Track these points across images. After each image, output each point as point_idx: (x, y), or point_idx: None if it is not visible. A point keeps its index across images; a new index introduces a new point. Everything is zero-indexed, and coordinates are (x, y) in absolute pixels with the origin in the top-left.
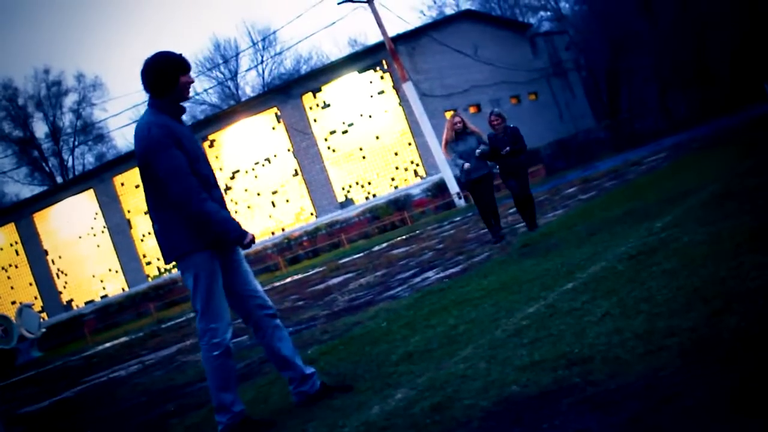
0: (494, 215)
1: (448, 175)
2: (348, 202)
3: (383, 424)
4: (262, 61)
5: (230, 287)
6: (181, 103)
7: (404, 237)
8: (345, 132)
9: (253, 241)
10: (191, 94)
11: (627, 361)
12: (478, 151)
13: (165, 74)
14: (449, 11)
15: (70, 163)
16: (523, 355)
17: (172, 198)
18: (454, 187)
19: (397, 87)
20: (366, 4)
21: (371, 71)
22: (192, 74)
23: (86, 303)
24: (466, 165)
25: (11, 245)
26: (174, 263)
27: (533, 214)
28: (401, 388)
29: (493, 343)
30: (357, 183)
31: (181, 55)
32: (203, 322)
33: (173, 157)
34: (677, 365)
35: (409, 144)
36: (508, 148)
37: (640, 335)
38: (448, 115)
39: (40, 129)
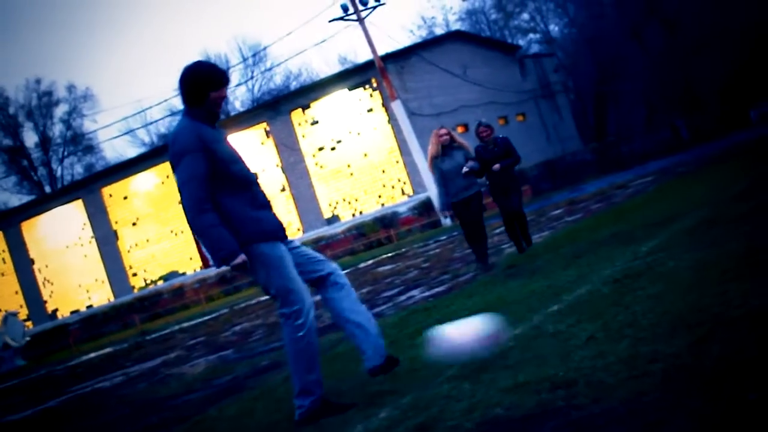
0: (481, 237)
1: (434, 193)
2: (334, 219)
3: None
4: (252, 77)
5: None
6: (214, 113)
7: (390, 255)
8: (333, 149)
9: (242, 266)
10: (221, 107)
11: (611, 385)
12: (465, 168)
13: (196, 88)
14: (439, 31)
15: (59, 173)
16: (507, 376)
17: (183, 202)
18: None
19: (386, 105)
20: (357, 23)
21: (360, 89)
22: (224, 90)
23: (72, 313)
24: (447, 213)
25: None
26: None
27: (526, 231)
28: (385, 407)
29: (477, 363)
30: (344, 200)
31: (217, 69)
32: (286, 305)
33: (194, 163)
34: (661, 391)
35: (397, 162)
36: (498, 165)
37: (624, 360)
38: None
39: (30, 138)
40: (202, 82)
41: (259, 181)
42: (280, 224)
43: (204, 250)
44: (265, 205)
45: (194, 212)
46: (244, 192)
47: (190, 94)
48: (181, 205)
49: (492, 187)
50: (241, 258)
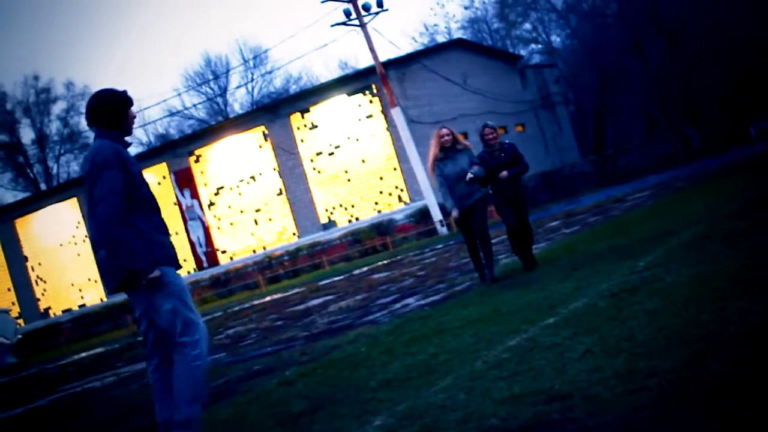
0: (487, 247)
1: (432, 201)
2: (331, 224)
3: None
4: (252, 79)
5: None
6: (127, 135)
7: (385, 262)
8: (331, 154)
9: (157, 280)
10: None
11: (607, 399)
12: (470, 174)
13: (117, 108)
14: (441, 39)
15: (54, 171)
16: (503, 388)
17: (97, 215)
18: (437, 215)
19: (385, 112)
20: (359, 28)
21: (360, 95)
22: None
23: (64, 311)
24: (455, 213)
25: None
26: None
27: (530, 248)
28: (380, 415)
29: (473, 374)
30: (341, 205)
31: (125, 91)
32: (185, 335)
33: (114, 177)
34: (657, 406)
35: (395, 169)
36: (506, 173)
37: (620, 374)
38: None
39: (27, 135)
40: (121, 102)
41: (159, 208)
42: (175, 253)
43: (104, 265)
44: (168, 233)
45: (113, 224)
46: (153, 215)
47: (109, 116)
48: (96, 218)
49: (497, 197)
50: (158, 272)
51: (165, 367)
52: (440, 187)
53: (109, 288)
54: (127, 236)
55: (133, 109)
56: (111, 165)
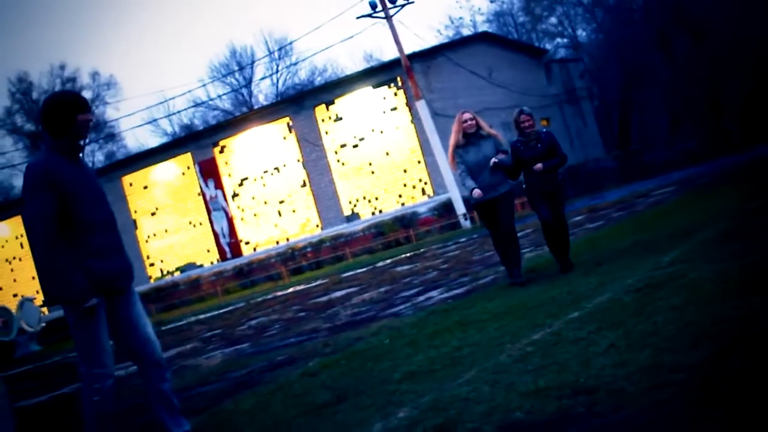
0: (514, 248)
1: (455, 195)
2: (354, 216)
3: None
4: (277, 71)
5: (118, 331)
6: (80, 142)
7: (408, 255)
8: (356, 146)
9: (90, 311)
10: (89, 131)
11: (632, 394)
12: (494, 159)
13: (61, 114)
14: (466, 32)
15: None
16: (527, 381)
17: (30, 243)
18: (460, 208)
19: (410, 104)
20: (384, 20)
21: (385, 87)
22: (90, 114)
23: None
24: (476, 192)
25: (16, 238)
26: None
27: (568, 246)
28: (403, 406)
29: (497, 367)
30: (364, 197)
31: (78, 94)
32: (85, 364)
33: (38, 204)
34: (682, 401)
35: (419, 162)
36: (541, 165)
37: (645, 369)
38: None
39: None
40: (68, 105)
41: (107, 222)
42: (117, 273)
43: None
44: (103, 251)
45: (46, 250)
46: (95, 235)
47: (55, 121)
48: (29, 240)
49: (530, 192)
50: (92, 302)
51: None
52: (462, 175)
53: (48, 303)
54: (63, 263)
55: (88, 114)
56: (37, 188)
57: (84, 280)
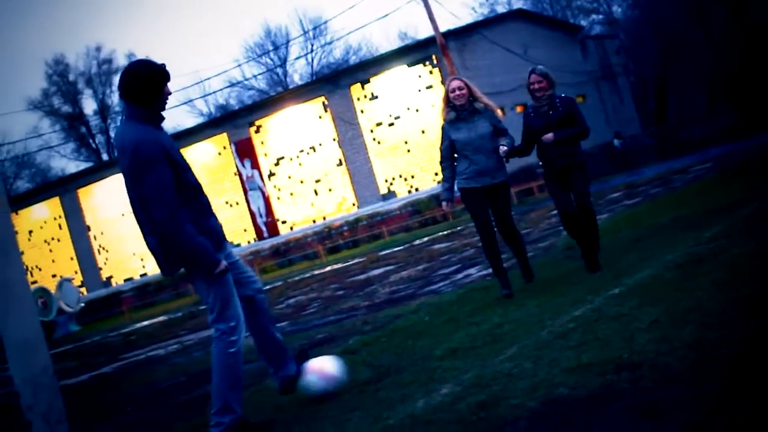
0: (519, 246)
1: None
2: (390, 195)
3: (428, 418)
4: (311, 50)
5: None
6: (162, 112)
7: (445, 233)
8: (391, 125)
9: (224, 272)
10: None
11: (677, 369)
12: (502, 147)
13: (152, 82)
14: (501, 9)
15: None
16: (570, 357)
17: (153, 217)
18: None
19: (445, 82)
20: None
21: (420, 65)
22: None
23: (125, 280)
24: (445, 205)
25: (55, 219)
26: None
27: (596, 241)
28: (446, 383)
29: (538, 343)
30: (400, 176)
31: (163, 64)
32: (223, 318)
33: (161, 175)
34: (728, 377)
35: None
36: (551, 135)
37: (689, 344)
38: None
39: (89, 106)
40: (158, 76)
41: (200, 184)
42: (223, 232)
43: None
44: (211, 212)
45: (172, 223)
46: (199, 198)
47: (143, 91)
48: (152, 214)
49: (547, 170)
50: (224, 264)
51: (249, 309)
52: (443, 161)
53: (167, 273)
54: (188, 234)
55: (170, 85)
56: (154, 160)
57: (210, 244)
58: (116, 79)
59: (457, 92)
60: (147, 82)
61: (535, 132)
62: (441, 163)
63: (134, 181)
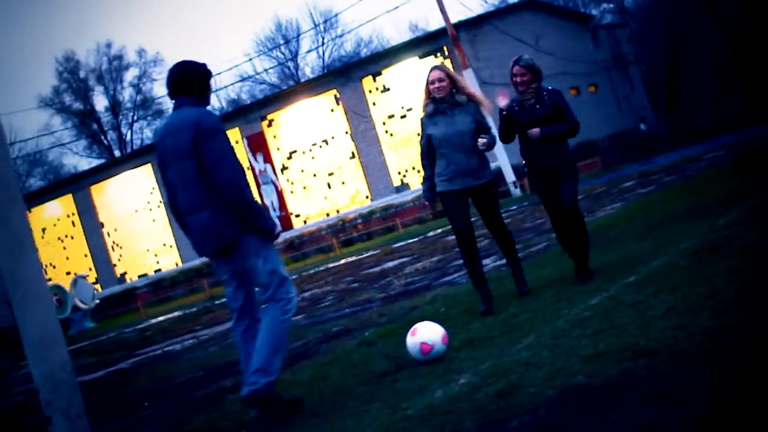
0: (511, 253)
1: (504, 163)
2: (404, 187)
3: (447, 408)
4: (323, 43)
5: None
6: None
7: None
8: (403, 117)
9: (278, 234)
10: None
11: (694, 356)
12: (482, 140)
13: (203, 81)
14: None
15: (128, 137)
16: (587, 345)
17: (219, 181)
18: (510, 176)
19: (457, 73)
20: None
21: (432, 57)
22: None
23: (140, 276)
24: (429, 206)
25: (68, 216)
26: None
27: (585, 248)
28: (464, 373)
29: (555, 332)
30: (413, 168)
31: (205, 64)
32: (281, 291)
33: (226, 141)
34: (745, 363)
35: None
36: (538, 130)
37: (706, 331)
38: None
39: (101, 102)
40: (207, 75)
41: None
42: None
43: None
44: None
45: (242, 186)
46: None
47: (197, 88)
48: (220, 178)
49: (531, 170)
50: (279, 228)
51: (254, 328)
52: (422, 159)
53: (209, 250)
54: (252, 196)
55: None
56: (220, 128)
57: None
58: (126, 75)
59: (437, 84)
60: (199, 80)
61: (520, 126)
62: (421, 160)
63: (195, 153)
